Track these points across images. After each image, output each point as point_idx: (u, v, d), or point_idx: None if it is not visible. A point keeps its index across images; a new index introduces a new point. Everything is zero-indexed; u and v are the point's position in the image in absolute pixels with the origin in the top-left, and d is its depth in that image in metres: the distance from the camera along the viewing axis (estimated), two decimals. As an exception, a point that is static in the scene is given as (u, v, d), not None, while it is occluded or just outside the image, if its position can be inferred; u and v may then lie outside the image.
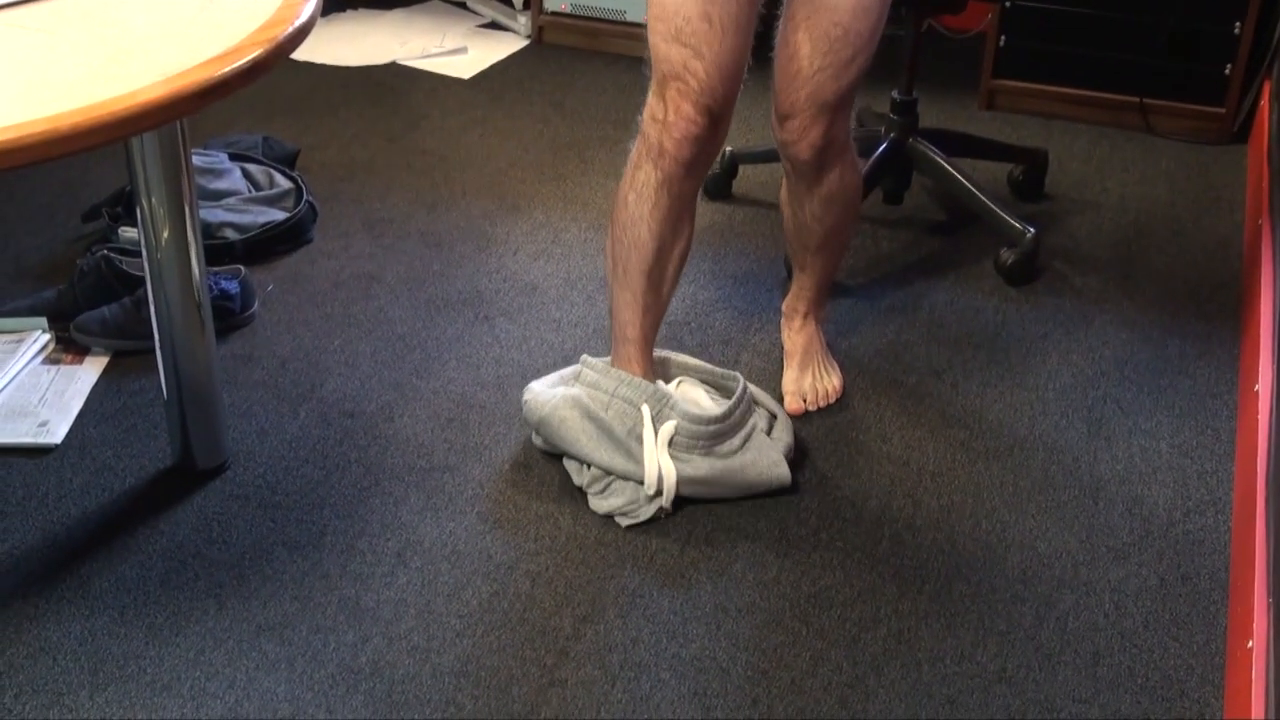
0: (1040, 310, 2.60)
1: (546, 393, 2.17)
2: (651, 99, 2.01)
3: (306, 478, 2.16)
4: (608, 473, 2.08)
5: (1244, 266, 2.72)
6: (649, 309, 2.14)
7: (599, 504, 2.08)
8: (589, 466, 2.10)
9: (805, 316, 2.38)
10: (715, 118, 1.99)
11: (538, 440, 2.19)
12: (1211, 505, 2.13)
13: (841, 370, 2.39)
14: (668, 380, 2.21)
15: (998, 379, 2.41)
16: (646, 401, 2.08)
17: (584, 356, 2.18)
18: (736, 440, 2.11)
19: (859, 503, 2.13)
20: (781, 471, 2.11)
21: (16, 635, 1.86)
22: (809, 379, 2.34)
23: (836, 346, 2.47)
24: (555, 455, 2.17)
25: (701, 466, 2.07)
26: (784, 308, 2.42)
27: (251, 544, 2.02)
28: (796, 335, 2.38)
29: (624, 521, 2.06)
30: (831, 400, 2.34)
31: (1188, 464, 2.21)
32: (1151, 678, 1.83)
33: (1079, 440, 2.26)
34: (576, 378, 2.17)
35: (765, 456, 2.11)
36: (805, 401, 2.32)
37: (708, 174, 2.11)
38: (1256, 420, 2.12)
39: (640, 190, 2.05)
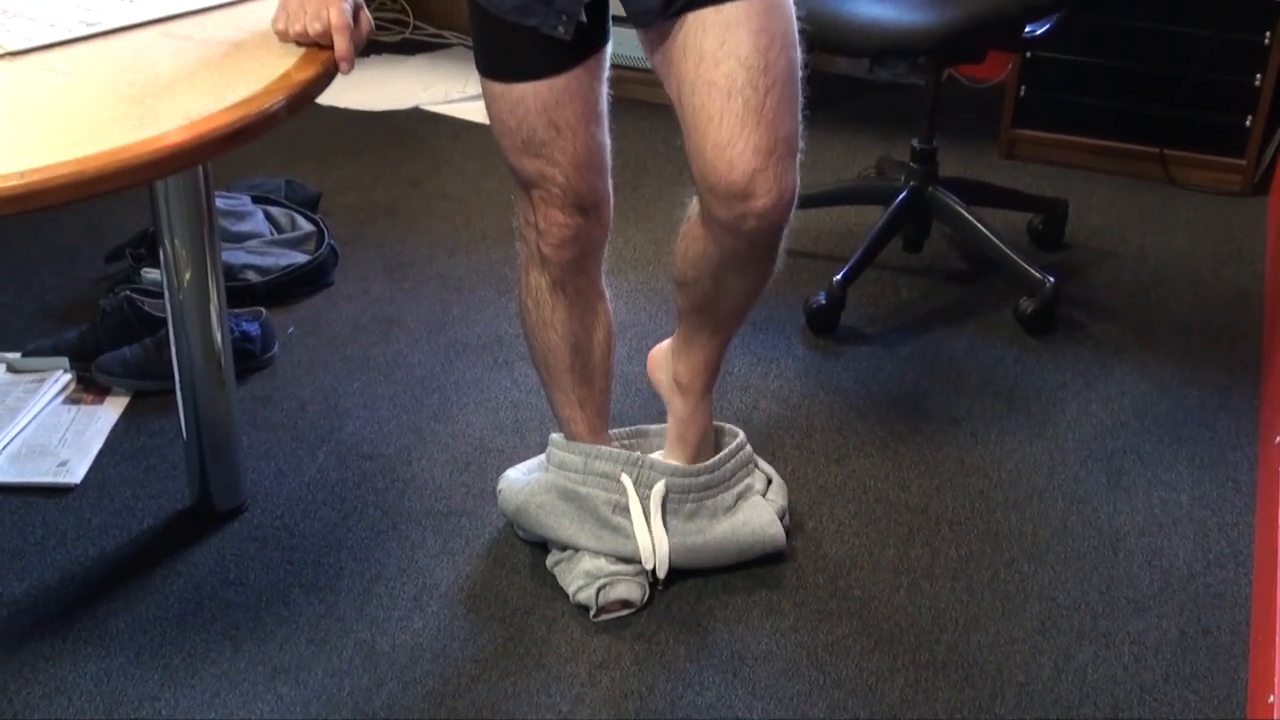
0: (1059, 360, 2.59)
1: (521, 480, 2.09)
2: (520, 205, 1.91)
3: (324, 520, 2.16)
4: (597, 554, 1.99)
5: (1264, 318, 2.72)
6: (586, 402, 2.03)
7: (563, 581, 2.02)
8: (562, 549, 2.03)
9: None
10: (588, 210, 1.88)
11: (520, 532, 2.11)
12: (1232, 558, 2.11)
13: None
14: (649, 451, 2.09)
15: (1017, 428, 2.40)
16: (624, 470, 1.99)
17: (551, 435, 2.08)
18: (730, 496, 2.03)
19: (876, 551, 2.12)
20: (775, 533, 2.04)
21: (33, 675, 1.86)
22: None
23: (856, 394, 2.47)
24: (542, 544, 2.09)
25: (693, 533, 2.00)
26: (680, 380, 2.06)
27: (268, 586, 2.02)
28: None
29: (604, 613, 1.98)
30: None
31: (1208, 516, 2.20)
32: (1171, 732, 1.82)
33: (1098, 491, 2.25)
34: (549, 460, 2.07)
35: (759, 517, 2.04)
36: None
37: (603, 257, 1.96)
38: (1277, 472, 2.11)
39: (536, 297, 1.96)
